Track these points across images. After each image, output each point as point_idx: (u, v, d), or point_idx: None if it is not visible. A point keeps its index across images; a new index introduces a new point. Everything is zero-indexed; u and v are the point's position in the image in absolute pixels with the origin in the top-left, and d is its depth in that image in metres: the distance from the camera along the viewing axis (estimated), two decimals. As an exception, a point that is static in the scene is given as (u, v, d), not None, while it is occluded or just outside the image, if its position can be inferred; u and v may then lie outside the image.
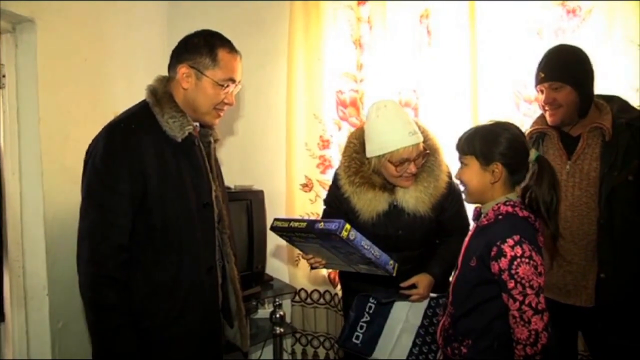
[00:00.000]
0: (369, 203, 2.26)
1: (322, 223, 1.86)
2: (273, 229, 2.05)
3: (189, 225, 1.94)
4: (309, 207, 3.47)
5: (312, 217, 3.25)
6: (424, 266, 2.35)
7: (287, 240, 2.07)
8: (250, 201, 3.18)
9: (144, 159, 1.86)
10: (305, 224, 1.91)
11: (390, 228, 2.33)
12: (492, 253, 1.74)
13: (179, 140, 1.94)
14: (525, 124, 2.66)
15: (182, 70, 1.98)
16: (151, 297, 1.91)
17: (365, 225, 2.26)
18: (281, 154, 3.53)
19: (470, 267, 1.83)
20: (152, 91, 2.00)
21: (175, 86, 2.02)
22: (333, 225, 1.80)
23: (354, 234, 1.82)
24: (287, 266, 3.59)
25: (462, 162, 1.88)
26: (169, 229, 1.91)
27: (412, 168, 2.17)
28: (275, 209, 3.48)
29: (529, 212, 1.78)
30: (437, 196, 2.31)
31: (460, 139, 1.90)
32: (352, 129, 2.79)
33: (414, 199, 2.27)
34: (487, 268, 1.78)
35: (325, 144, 3.41)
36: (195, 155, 2.01)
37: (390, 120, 2.16)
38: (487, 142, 1.82)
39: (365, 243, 1.86)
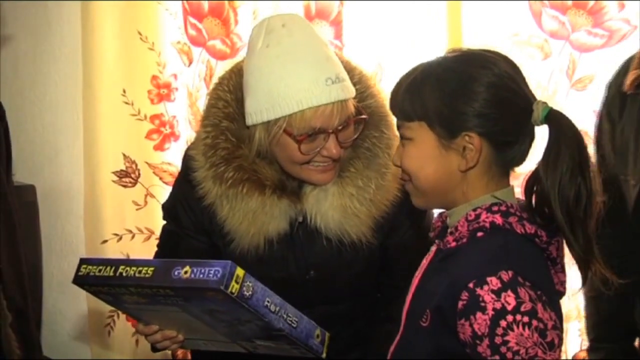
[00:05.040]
0: (253, 219, 1.69)
1: (186, 268, 1.38)
2: (80, 279, 1.53)
3: None
4: (135, 218, 2.59)
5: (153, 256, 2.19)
6: (358, 332, 1.83)
7: (108, 301, 1.59)
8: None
9: None
10: (150, 270, 1.39)
11: (293, 266, 1.77)
12: (461, 303, 1.31)
13: None
14: (553, 50, 2.22)
15: None
16: None
17: (244, 260, 1.63)
18: (73, 111, 2.68)
19: (421, 328, 1.38)
20: None
21: None
22: (210, 271, 1.34)
23: (251, 287, 1.39)
24: (88, 345, 2.70)
25: (402, 135, 1.42)
26: None
27: (332, 148, 1.64)
28: (64, 225, 2.73)
29: (537, 225, 1.34)
30: (383, 205, 1.73)
31: (395, 90, 1.40)
32: (219, 66, 2.36)
33: (338, 210, 1.70)
34: (451, 330, 1.35)
35: (162, 91, 2.57)
36: None
37: (293, 53, 1.61)
38: (448, 94, 1.34)
39: (271, 301, 1.45)
